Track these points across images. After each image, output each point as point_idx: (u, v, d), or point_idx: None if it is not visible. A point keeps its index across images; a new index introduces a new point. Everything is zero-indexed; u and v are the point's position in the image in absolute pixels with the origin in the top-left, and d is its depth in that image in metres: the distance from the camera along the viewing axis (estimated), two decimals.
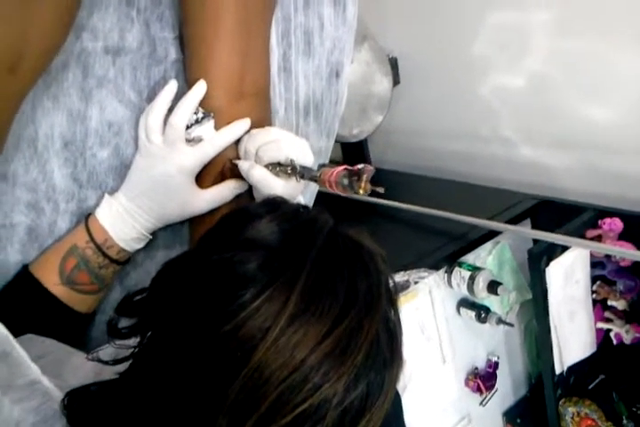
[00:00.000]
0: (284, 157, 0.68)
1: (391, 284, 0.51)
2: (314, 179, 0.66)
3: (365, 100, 1.62)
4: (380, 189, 0.61)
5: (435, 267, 1.20)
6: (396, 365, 0.48)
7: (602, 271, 1.25)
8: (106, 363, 0.54)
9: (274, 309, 0.42)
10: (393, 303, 0.50)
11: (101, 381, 0.52)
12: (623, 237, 1.18)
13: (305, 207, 0.55)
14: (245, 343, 0.42)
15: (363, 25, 1.58)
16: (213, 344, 0.43)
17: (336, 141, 0.97)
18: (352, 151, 1.79)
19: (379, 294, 0.47)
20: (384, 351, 0.46)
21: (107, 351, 0.58)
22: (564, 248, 1.18)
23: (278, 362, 0.41)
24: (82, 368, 0.61)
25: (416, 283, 1.17)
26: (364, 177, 0.61)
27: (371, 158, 1.81)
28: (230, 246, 0.47)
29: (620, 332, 1.24)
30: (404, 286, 1.16)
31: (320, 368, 0.42)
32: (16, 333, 0.60)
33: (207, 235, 0.52)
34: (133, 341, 0.51)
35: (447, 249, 1.24)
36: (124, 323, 0.52)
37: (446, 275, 1.24)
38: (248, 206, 0.53)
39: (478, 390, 1.36)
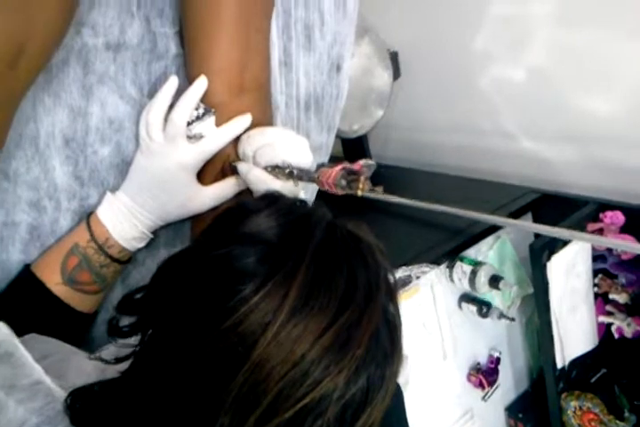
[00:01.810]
0: (280, 160, 0.67)
1: (390, 277, 0.50)
2: (313, 180, 0.66)
3: (366, 94, 1.61)
4: (379, 189, 0.61)
5: (436, 262, 1.20)
6: (396, 358, 0.48)
7: (603, 265, 1.24)
8: (108, 362, 0.53)
9: (273, 303, 0.43)
10: (392, 296, 0.50)
11: (104, 380, 0.52)
12: (625, 230, 1.18)
13: (302, 202, 0.55)
14: (246, 339, 0.42)
15: (363, 18, 1.57)
16: (214, 340, 0.43)
17: (336, 137, 0.96)
18: (352, 146, 1.78)
19: (378, 288, 0.47)
20: (384, 345, 0.47)
21: (109, 351, 0.58)
22: (566, 242, 1.17)
23: (279, 357, 0.41)
24: (85, 368, 0.61)
25: (417, 278, 1.16)
26: (362, 178, 0.61)
27: (371, 153, 1.80)
28: (228, 241, 0.47)
29: (622, 326, 1.24)
30: (406, 282, 1.15)
31: (320, 363, 0.42)
32: (19, 332, 0.60)
33: (206, 231, 0.52)
34: (135, 339, 0.51)
35: (448, 244, 1.23)
36: (125, 322, 0.52)
37: (448, 270, 1.24)
38: (245, 202, 0.53)
39: (480, 385, 1.35)
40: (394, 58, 1.62)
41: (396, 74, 1.63)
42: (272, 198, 0.53)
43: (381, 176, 0.63)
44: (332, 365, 0.42)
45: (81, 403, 0.50)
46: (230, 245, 0.46)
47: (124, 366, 0.51)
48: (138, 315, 0.51)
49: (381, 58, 1.60)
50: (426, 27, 1.59)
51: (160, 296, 0.49)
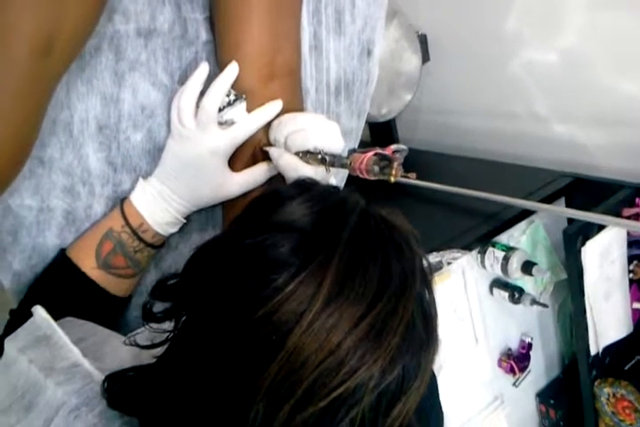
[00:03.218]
0: (312, 145, 0.67)
1: (425, 264, 0.50)
2: (344, 166, 0.65)
3: (394, 78, 1.60)
4: (412, 175, 0.60)
5: (468, 247, 1.19)
6: (431, 347, 0.47)
7: (639, 251, 1.22)
8: (142, 347, 0.54)
9: (308, 292, 0.42)
10: (428, 284, 0.49)
11: (139, 365, 0.52)
12: None
13: (335, 188, 0.54)
14: (280, 327, 0.42)
15: (392, 1, 1.55)
16: (248, 329, 0.42)
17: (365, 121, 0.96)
18: (380, 131, 1.77)
19: (413, 276, 0.47)
20: (420, 333, 0.46)
21: (144, 335, 0.59)
22: (600, 228, 1.15)
23: (314, 346, 0.41)
24: (121, 351, 0.62)
25: (449, 264, 1.16)
26: (395, 164, 0.60)
27: (399, 138, 1.78)
28: (262, 230, 0.46)
29: None
30: (437, 267, 1.15)
31: (356, 352, 0.42)
32: (55, 316, 0.62)
33: (239, 218, 0.52)
34: (168, 325, 0.51)
35: (480, 229, 1.22)
36: (158, 307, 0.52)
37: (479, 255, 1.23)
38: (279, 189, 0.52)
39: (511, 371, 1.35)
40: (423, 41, 1.60)
41: (425, 57, 1.61)
42: (305, 185, 0.53)
43: (410, 160, 0.62)
44: (368, 354, 0.42)
45: (118, 387, 0.51)
46: (264, 234, 0.46)
47: (159, 350, 0.51)
48: (171, 301, 0.51)
49: (410, 41, 1.58)
50: (455, 9, 1.57)
51: (193, 284, 0.49)
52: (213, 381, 0.44)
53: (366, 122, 0.96)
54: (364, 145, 0.68)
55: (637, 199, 1.17)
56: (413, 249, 0.49)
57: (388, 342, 0.43)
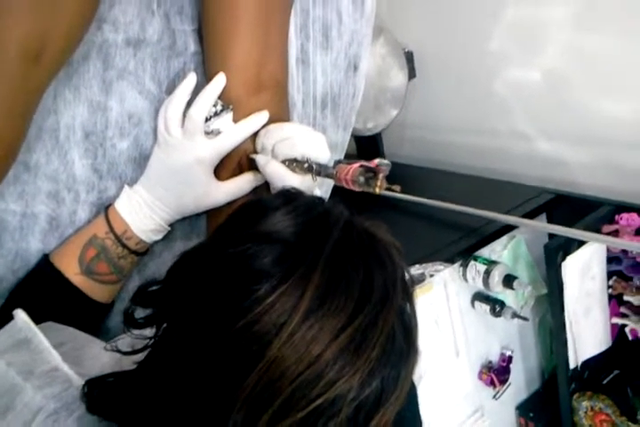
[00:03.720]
0: (300, 154, 0.68)
1: (407, 277, 0.50)
2: (330, 176, 0.66)
3: (380, 93, 1.61)
4: (397, 188, 0.61)
5: (450, 260, 1.20)
6: (411, 359, 0.48)
7: (618, 267, 1.24)
8: (123, 353, 0.54)
9: (289, 304, 0.42)
10: (409, 297, 0.50)
11: (119, 371, 0.52)
12: None
13: (320, 199, 0.54)
14: (260, 338, 0.42)
15: (379, 18, 1.57)
16: (228, 339, 0.42)
17: (351, 135, 0.97)
18: (366, 145, 1.78)
19: (394, 288, 0.47)
20: (400, 346, 0.46)
21: (125, 341, 0.59)
22: (581, 243, 1.17)
23: (293, 357, 0.41)
24: (101, 356, 0.62)
25: (431, 276, 1.17)
26: (381, 175, 0.61)
27: (385, 152, 1.80)
28: (245, 240, 0.47)
29: (636, 327, 1.23)
30: (420, 280, 1.16)
31: (335, 364, 0.42)
32: (36, 320, 0.61)
33: (222, 227, 0.52)
34: (150, 331, 0.51)
35: (463, 243, 1.24)
36: (140, 313, 0.52)
37: (461, 268, 1.24)
38: (263, 198, 0.53)
39: (492, 383, 1.35)
40: (409, 58, 1.62)
41: (412, 74, 1.64)
42: (290, 195, 0.53)
43: (395, 174, 0.63)
44: (347, 366, 0.42)
45: (97, 391, 0.51)
46: (247, 244, 0.46)
47: (140, 356, 0.51)
48: (152, 308, 0.51)
49: (397, 57, 1.60)
50: (442, 27, 1.59)
51: (175, 292, 0.49)
52: (192, 389, 0.44)
53: (353, 135, 0.98)
54: (350, 158, 0.69)
55: (617, 216, 1.19)
56: (395, 261, 0.49)
57: (368, 354, 0.43)
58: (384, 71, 1.61)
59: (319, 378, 0.41)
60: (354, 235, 0.48)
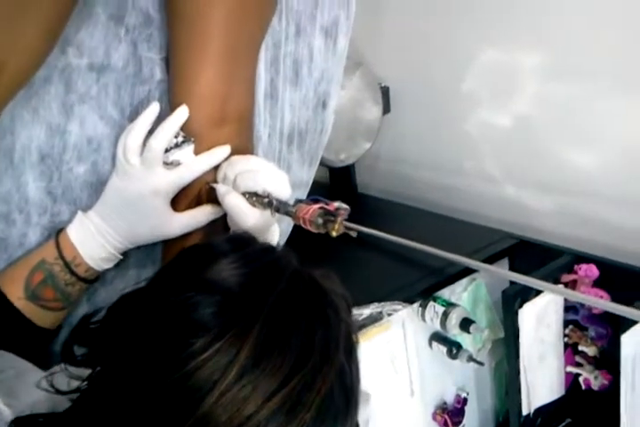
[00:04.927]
0: (261, 188, 0.67)
1: (353, 332, 0.49)
2: (289, 214, 0.66)
3: (354, 126, 1.62)
4: (353, 234, 0.62)
5: (409, 300, 1.19)
6: (349, 418, 0.47)
7: (575, 316, 1.25)
8: (55, 392, 0.52)
9: (223, 361, 0.41)
10: (352, 355, 0.49)
11: (50, 413, 0.50)
12: (598, 283, 1.18)
13: (271, 247, 0.53)
14: (193, 393, 0.40)
15: (358, 53, 1.59)
16: (161, 390, 0.41)
17: (324, 165, 0.96)
18: (340, 176, 1.79)
19: (336, 348, 0.46)
20: (337, 406, 0.45)
21: (62, 374, 0.57)
22: (539, 291, 1.17)
23: (224, 416, 0.40)
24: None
25: (389, 315, 1.16)
26: (339, 219, 0.61)
27: (358, 183, 1.81)
28: (187, 287, 0.46)
29: (589, 377, 1.24)
30: (377, 318, 1.15)
31: (267, 425, 0.41)
32: None
33: (166, 269, 0.51)
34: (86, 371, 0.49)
35: (423, 283, 1.23)
36: (82, 349, 0.51)
37: (420, 309, 1.23)
38: (212, 242, 0.52)
39: (445, 424, 1.34)
40: (385, 93, 1.64)
41: (386, 108, 1.65)
42: (241, 241, 0.52)
43: (365, 207, 0.63)
44: None
45: None
46: (189, 292, 0.45)
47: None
48: (89, 347, 0.50)
49: (372, 92, 1.62)
50: (418, 65, 1.61)
51: (110, 335, 0.47)
52: None
53: (326, 166, 0.97)
54: (323, 189, 0.68)
55: (576, 266, 1.20)
56: (341, 317, 0.48)
57: (302, 417, 0.42)
58: (359, 104, 1.62)
59: None
60: (300, 287, 0.48)
